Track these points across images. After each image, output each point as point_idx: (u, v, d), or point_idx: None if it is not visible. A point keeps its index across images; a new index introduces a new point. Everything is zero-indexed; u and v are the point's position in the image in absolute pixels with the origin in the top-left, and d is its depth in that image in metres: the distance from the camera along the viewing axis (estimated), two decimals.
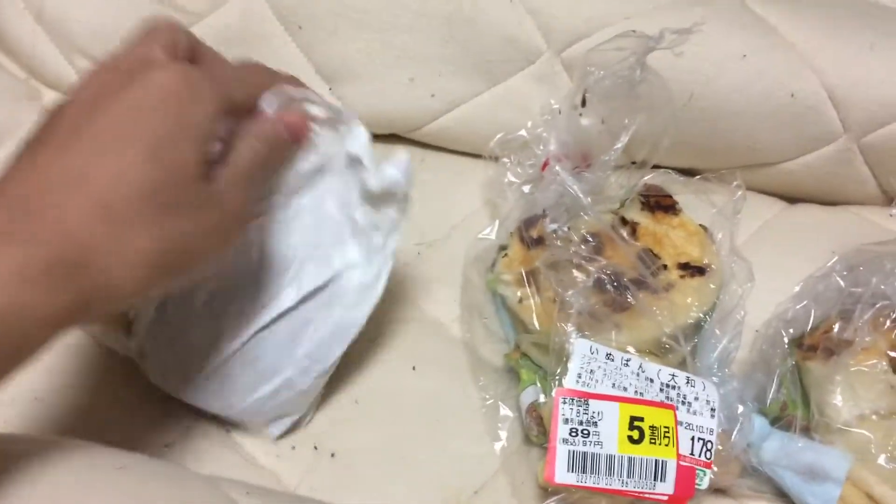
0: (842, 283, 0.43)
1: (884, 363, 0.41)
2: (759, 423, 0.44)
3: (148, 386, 0.43)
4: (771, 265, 0.52)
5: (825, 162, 0.57)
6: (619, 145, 0.45)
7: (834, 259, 0.46)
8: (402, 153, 0.41)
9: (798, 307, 0.44)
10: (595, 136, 0.47)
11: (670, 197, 0.52)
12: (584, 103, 0.46)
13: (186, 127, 0.33)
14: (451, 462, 0.44)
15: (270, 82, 0.39)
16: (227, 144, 0.36)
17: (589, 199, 0.46)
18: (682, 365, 0.45)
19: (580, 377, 0.41)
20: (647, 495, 0.40)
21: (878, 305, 0.41)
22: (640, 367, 0.42)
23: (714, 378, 0.44)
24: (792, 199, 0.60)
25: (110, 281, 0.31)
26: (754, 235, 0.57)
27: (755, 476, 0.44)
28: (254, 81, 0.39)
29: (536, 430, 0.44)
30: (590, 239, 0.47)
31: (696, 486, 0.41)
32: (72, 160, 0.31)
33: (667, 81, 0.46)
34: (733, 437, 0.42)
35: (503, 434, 0.45)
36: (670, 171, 0.54)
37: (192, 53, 0.36)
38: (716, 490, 0.44)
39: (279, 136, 0.39)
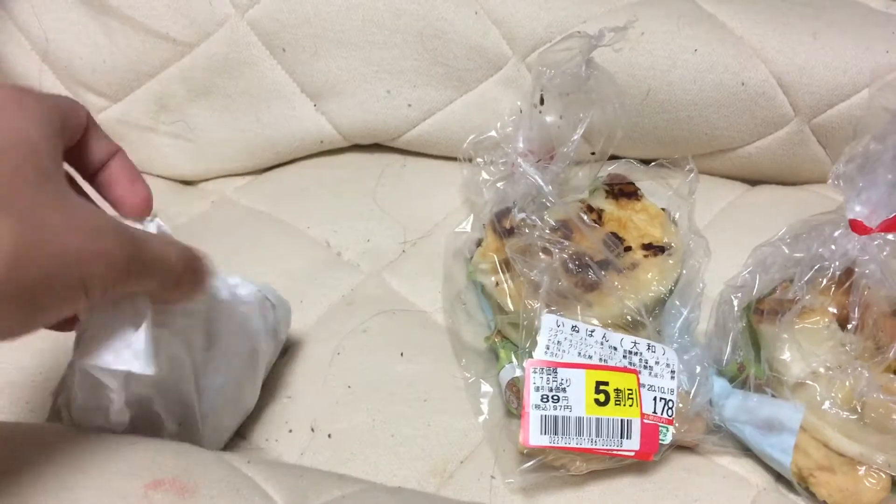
0: (786, 250, 0.47)
1: (826, 320, 0.45)
2: (720, 383, 0.47)
3: None
4: (732, 242, 0.55)
5: (780, 144, 0.61)
6: (575, 137, 0.49)
7: (783, 230, 0.49)
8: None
9: (745, 273, 0.48)
10: (555, 130, 0.51)
11: (632, 184, 0.56)
12: (542, 101, 0.50)
13: (20, 130, 0.30)
14: (437, 436, 0.48)
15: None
16: None
17: (550, 188, 0.49)
18: (651, 336, 0.48)
19: (548, 348, 0.45)
20: (615, 451, 0.44)
21: (816, 267, 0.44)
22: (604, 336, 0.46)
23: (675, 345, 0.48)
24: (753, 182, 0.64)
25: None
26: (717, 216, 0.60)
27: (719, 433, 0.47)
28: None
29: (516, 402, 0.48)
30: (556, 226, 0.51)
31: (660, 442, 0.44)
32: None
33: (615, 76, 0.50)
34: (692, 395, 0.45)
35: (485, 408, 0.48)
36: (632, 160, 0.58)
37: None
38: (684, 447, 0.47)
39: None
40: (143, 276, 0.33)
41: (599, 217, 0.54)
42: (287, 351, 0.52)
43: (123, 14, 0.61)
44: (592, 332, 0.46)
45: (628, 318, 0.47)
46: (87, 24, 0.61)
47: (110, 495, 0.32)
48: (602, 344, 0.46)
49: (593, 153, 0.52)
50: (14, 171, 0.29)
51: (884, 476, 0.43)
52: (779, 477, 0.46)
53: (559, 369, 0.45)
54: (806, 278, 0.44)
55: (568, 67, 0.47)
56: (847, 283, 0.44)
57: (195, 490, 0.35)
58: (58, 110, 0.33)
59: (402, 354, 0.51)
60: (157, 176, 0.64)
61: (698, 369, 0.46)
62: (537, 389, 0.44)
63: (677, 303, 0.49)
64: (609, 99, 0.48)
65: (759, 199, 0.62)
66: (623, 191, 0.55)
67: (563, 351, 0.45)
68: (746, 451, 0.47)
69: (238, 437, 0.48)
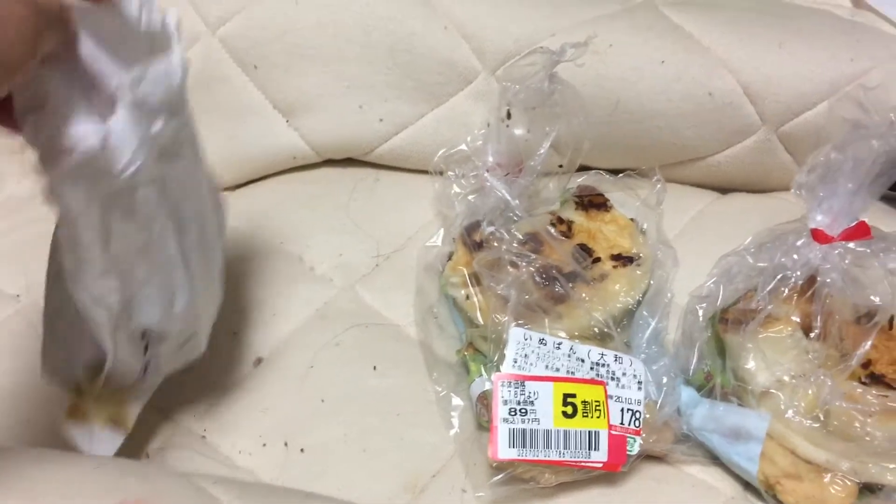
0: (750, 259, 0.47)
1: (789, 329, 0.45)
2: (688, 392, 0.48)
3: None
4: (701, 252, 0.56)
5: (748, 153, 0.62)
6: (541, 151, 0.50)
7: (748, 240, 0.50)
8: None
9: (710, 283, 0.48)
10: (523, 144, 0.51)
11: (601, 195, 0.56)
12: (508, 116, 0.51)
13: None
14: (409, 450, 0.48)
15: None
16: None
17: (518, 201, 0.50)
18: (619, 347, 0.49)
19: (516, 362, 0.45)
20: (583, 463, 0.44)
21: (779, 276, 0.45)
22: (571, 349, 0.46)
23: (643, 355, 0.48)
24: (724, 190, 0.65)
25: None
26: (688, 225, 0.61)
27: (688, 442, 0.48)
28: None
29: (486, 415, 0.48)
30: (524, 239, 0.51)
31: (628, 452, 0.45)
32: None
33: (584, 87, 0.51)
34: (659, 405, 0.46)
35: (456, 422, 0.49)
36: (601, 171, 0.58)
37: None
38: (653, 457, 0.48)
39: None
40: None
41: (569, 229, 0.54)
42: (261, 363, 0.52)
43: None
44: (560, 344, 0.46)
45: (595, 329, 0.47)
46: None
47: None
48: (569, 356, 0.46)
49: (561, 165, 0.53)
50: None
51: (849, 483, 0.44)
52: (747, 485, 0.47)
53: (527, 382, 0.45)
54: (769, 288, 0.45)
55: (532, 82, 0.48)
56: (809, 292, 0.45)
57: None
58: None
59: (374, 368, 0.52)
60: None
61: (665, 379, 0.46)
62: (505, 403, 0.44)
63: (645, 313, 0.50)
64: (574, 112, 0.48)
65: (730, 207, 0.63)
66: (592, 202, 0.56)
67: (531, 364, 0.45)
68: (715, 459, 0.48)
69: (212, 454, 0.48)
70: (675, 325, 0.51)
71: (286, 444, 0.48)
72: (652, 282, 0.51)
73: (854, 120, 0.44)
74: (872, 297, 0.45)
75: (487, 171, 0.52)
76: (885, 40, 0.62)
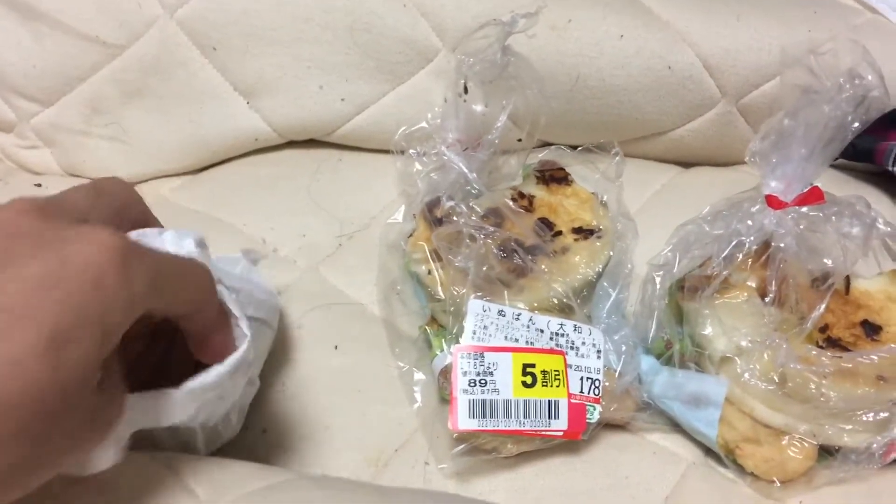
0: (706, 227, 0.47)
1: (745, 294, 0.46)
2: (648, 361, 0.48)
3: None
4: (664, 225, 0.56)
5: (710, 126, 0.62)
6: (498, 124, 0.50)
7: (706, 209, 0.50)
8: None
9: (667, 252, 0.49)
10: (480, 118, 0.51)
11: (562, 169, 0.56)
12: (465, 90, 0.51)
13: (102, 315, 0.27)
14: (372, 426, 0.48)
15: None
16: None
17: (475, 175, 0.50)
18: (580, 318, 0.49)
19: (475, 333, 0.45)
20: (543, 432, 0.44)
21: (734, 243, 0.45)
22: (531, 319, 0.46)
23: (603, 325, 0.48)
24: (687, 164, 0.65)
25: None
26: (651, 199, 0.61)
27: (649, 410, 0.48)
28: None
29: (449, 389, 0.48)
30: (484, 213, 0.51)
31: (588, 420, 0.45)
32: None
33: (543, 62, 0.51)
34: (618, 373, 0.46)
35: (418, 396, 0.49)
36: (562, 147, 0.58)
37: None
38: (615, 426, 0.48)
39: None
40: None
41: (531, 203, 0.54)
42: None
43: (52, 18, 0.60)
44: (519, 315, 0.46)
45: (554, 301, 0.47)
46: (15, 30, 0.61)
47: None
48: (528, 327, 0.46)
49: (520, 140, 0.53)
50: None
51: (807, 445, 0.44)
52: (708, 451, 0.47)
53: (486, 353, 0.45)
54: (724, 254, 0.45)
55: (486, 55, 0.48)
56: (764, 257, 0.45)
57: (115, 481, 0.35)
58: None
59: (336, 347, 0.51)
60: (93, 179, 0.64)
61: (624, 348, 0.47)
62: (465, 374, 0.45)
63: (605, 284, 0.50)
64: (529, 84, 0.48)
65: (693, 180, 0.63)
66: (553, 176, 0.56)
67: (490, 335, 0.45)
68: (676, 426, 0.48)
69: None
70: (636, 296, 0.52)
71: (246, 427, 0.48)
72: (612, 253, 0.51)
73: (805, 86, 0.44)
74: (826, 261, 0.45)
75: (446, 146, 0.52)
76: (842, 11, 0.62)
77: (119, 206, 0.33)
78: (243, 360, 0.36)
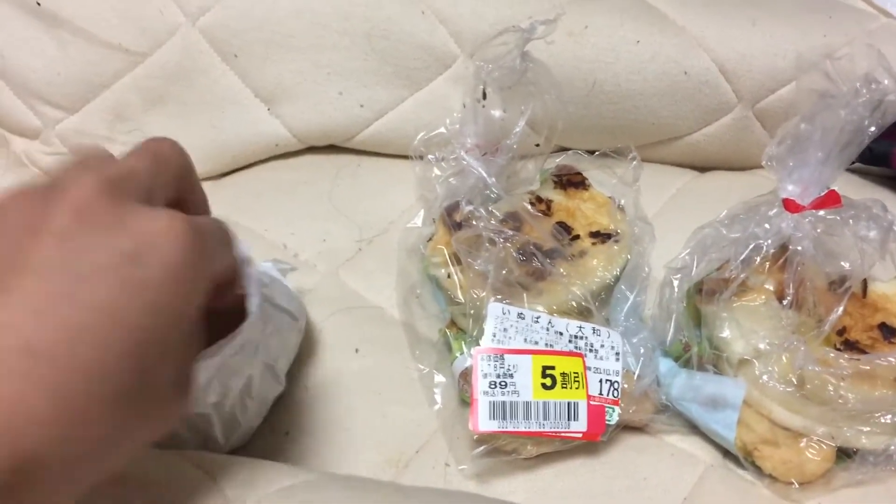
0: (724, 231, 0.48)
1: (763, 297, 0.46)
2: (666, 363, 0.49)
3: None
4: (681, 228, 0.56)
5: (726, 130, 0.62)
6: (517, 129, 0.50)
7: (723, 213, 0.51)
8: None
9: (684, 255, 0.49)
10: (499, 124, 0.52)
11: (580, 174, 0.57)
12: (484, 96, 0.51)
13: (185, 311, 0.28)
14: (392, 428, 0.48)
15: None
16: None
17: (495, 180, 0.51)
18: (598, 321, 0.50)
19: (495, 336, 0.46)
20: (563, 434, 0.45)
21: (751, 246, 0.46)
22: (550, 322, 0.47)
23: (621, 328, 0.49)
24: (703, 169, 0.65)
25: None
26: (667, 204, 0.62)
27: (667, 412, 0.48)
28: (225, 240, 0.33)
29: (469, 391, 0.49)
30: (502, 217, 0.52)
31: (607, 422, 0.45)
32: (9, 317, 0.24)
33: (561, 68, 0.52)
34: (637, 376, 0.47)
35: (438, 398, 0.49)
36: (580, 151, 0.59)
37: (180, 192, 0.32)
38: (634, 428, 0.48)
39: None
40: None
41: (548, 207, 0.55)
42: None
43: (76, 26, 0.61)
44: (538, 318, 0.47)
45: (573, 304, 0.48)
46: (40, 38, 0.62)
47: None
48: (548, 330, 0.47)
49: (538, 145, 0.53)
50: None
51: (825, 447, 0.45)
52: (726, 453, 0.48)
53: (506, 356, 0.46)
54: (742, 257, 0.45)
55: (505, 61, 0.48)
56: (782, 260, 0.46)
57: (144, 478, 0.36)
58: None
59: (356, 351, 0.52)
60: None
61: (642, 350, 0.47)
62: (485, 376, 0.45)
63: (623, 287, 0.51)
64: (547, 90, 0.49)
65: (709, 185, 0.63)
66: (571, 181, 0.57)
67: (510, 338, 0.46)
68: (694, 429, 0.48)
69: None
70: (654, 299, 0.52)
71: (271, 431, 0.48)
72: (629, 257, 0.52)
73: (821, 90, 0.44)
74: (843, 264, 0.45)
75: (464, 151, 0.52)
76: (858, 15, 0.63)
77: (177, 176, 0.32)
78: (247, 338, 0.38)
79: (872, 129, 0.44)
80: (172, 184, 0.32)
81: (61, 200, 0.27)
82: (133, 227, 0.27)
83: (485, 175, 0.50)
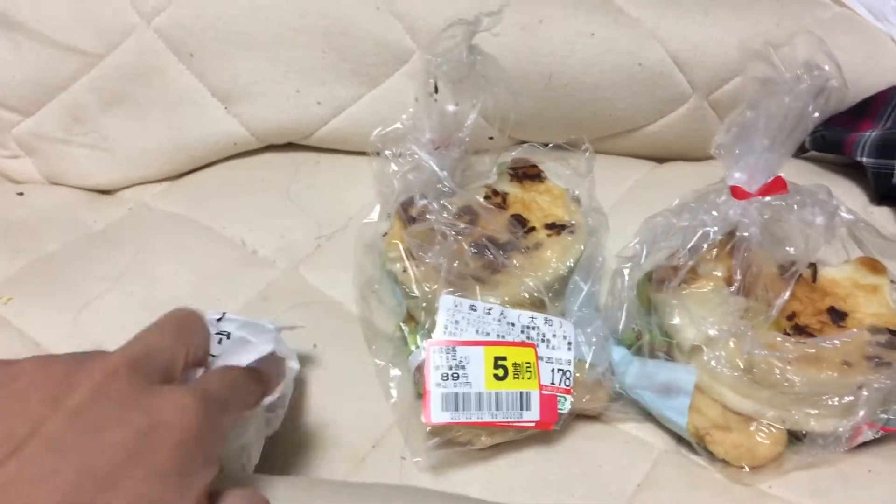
0: (673, 219, 0.48)
1: (711, 284, 0.47)
2: (620, 352, 0.49)
3: None
4: (638, 220, 0.56)
5: (682, 121, 0.63)
6: (468, 122, 0.50)
7: (676, 202, 0.51)
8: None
9: (634, 244, 0.49)
10: (452, 117, 0.52)
11: (535, 166, 0.57)
12: (436, 90, 0.52)
13: (183, 474, 0.29)
14: (350, 423, 0.48)
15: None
16: None
17: (446, 173, 0.51)
18: (552, 312, 0.50)
19: (447, 328, 0.46)
20: (516, 423, 0.45)
21: (699, 233, 0.46)
22: (502, 313, 0.47)
23: (574, 318, 0.49)
24: (660, 160, 0.66)
25: None
26: (625, 195, 0.62)
27: (622, 400, 0.49)
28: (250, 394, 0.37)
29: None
30: (458, 211, 0.52)
31: (559, 411, 0.46)
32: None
33: (509, 64, 0.52)
34: (588, 364, 0.47)
35: (395, 392, 0.49)
36: (535, 144, 0.59)
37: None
38: (589, 417, 0.49)
39: None
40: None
41: (504, 200, 0.55)
42: None
43: (30, 29, 0.61)
44: (490, 309, 0.47)
45: (525, 295, 0.48)
46: None
47: None
48: (500, 321, 0.47)
49: (491, 138, 0.54)
50: None
51: (775, 431, 0.45)
52: (680, 439, 0.48)
53: (458, 347, 0.46)
54: (690, 245, 0.46)
55: (453, 55, 0.49)
56: (729, 247, 0.46)
57: None
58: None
59: (314, 346, 0.52)
60: (74, 187, 0.64)
61: (594, 339, 0.47)
62: (437, 368, 0.45)
63: (577, 278, 0.51)
64: (496, 83, 0.49)
65: (666, 176, 0.64)
66: (527, 173, 0.57)
67: (462, 329, 0.46)
68: (648, 416, 0.49)
69: None
70: (608, 288, 0.52)
71: None
72: (584, 248, 0.52)
73: (764, 78, 0.45)
74: (789, 249, 0.46)
75: (418, 146, 0.52)
76: (810, 5, 0.63)
77: (198, 347, 0.35)
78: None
79: (816, 115, 0.45)
80: (193, 358, 0.34)
81: (84, 376, 0.29)
82: (146, 404, 0.29)
83: (436, 169, 0.50)
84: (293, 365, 0.44)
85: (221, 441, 0.32)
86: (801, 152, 0.66)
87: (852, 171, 0.64)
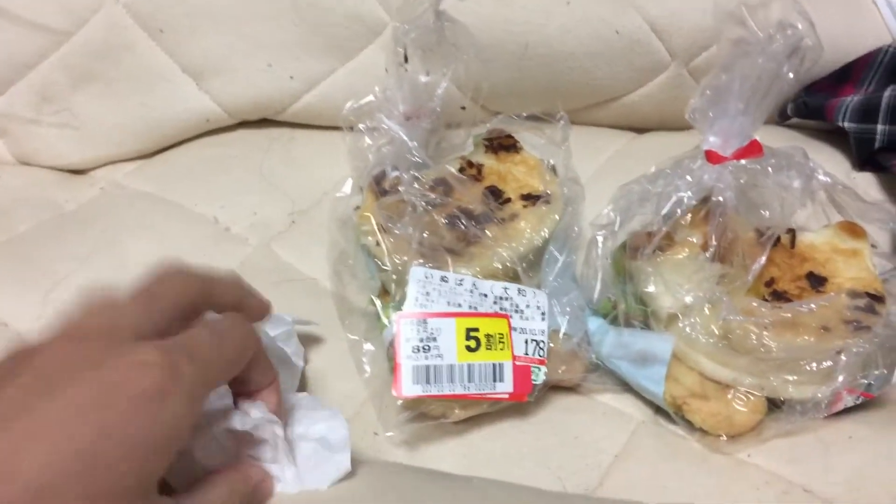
0: (648, 186, 0.47)
1: (686, 251, 0.46)
2: (596, 322, 0.48)
3: None
4: (615, 189, 0.56)
5: (661, 90, 0.62)
6: (439, 91, 0.49)
7: (652, 170, 0.50)
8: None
9: (608, 211, 0.48)
10: (423, 88, 0.51)
11: (511, 137, 0.56)
12: (406, 59, 0.51)
13: (146, 437, 0.27)
14: (323, 400, 0.48)
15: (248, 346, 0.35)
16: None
17: (415, 143, 0.50)
18: (527, 283, 0.49)
19: (417, 300, 0.45)
20: (489, 395, 0.44)
21: (673, 199, 0.45)
22: (474, 284, 0.46)
23: (548, 289, 0.48)
24: (640, 130, 0.65)
25: None
26: (604, 165, 0.61)
27: (599, 371, 0.48)
28: (234, 348, 0.34)
29: None
30: (432, 183, 0.51)
31: (533, 382, 0.45)
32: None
33: (478, 31, 0.51)
34: (563, 334, 0.46)
35: (368, 367, 0.48)
36: (511, 115, 0.58)
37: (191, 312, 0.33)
38: (566, 388, 0.48)
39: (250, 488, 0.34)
40: None
41: (479, 172, 0.54)
42: None
43: None
44: (462, 280, 0.46)
45: (498, 266, 0.47)
46: None
47: None
48: (472, 292, 0.46)
49: (464, 107, 0.53)
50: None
51: (753, 399, 0.44)
52: (658, 409, 0.47)
53: (429, 319, 0.45)
54: (664, 211, 0.45)
55: (420, 22, 0.47)
56: (704, 212, 0.45)
57: None
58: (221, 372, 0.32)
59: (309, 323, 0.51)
60: (46, 167, 0.63)
61: (569, 309, 0.46)
62: (408, 341, 0.44)
63: (553, 249, 0.50)
64: (466, 50, 0.48)
65: (646, 145, 0.63)
66: (502, 144, 0.56)
67: (433, 301, 0.45)
68: (626, 387, 0.48)
69: None
70: (583, 258, 0.52)
71: None
72: (559, 218, 0.51)
73: (737, 38, 0.44)
74: (764, 213, 0.45)
75: (388, 117, 0.51)
76: None
77: (177, 306, 0.33)
78: None
79: (791, 75, 0.44)
80: (167, 318, 0.32)
81: (52, 342, 0.29)
82: (108, 363, 0.28)
83: (406, 140, 0.49)
84: (298, 363, 0.44)
85: (197, 402, 0.30)
86: (783, 119, 0.65)
87: (835, 136, 0.63)
